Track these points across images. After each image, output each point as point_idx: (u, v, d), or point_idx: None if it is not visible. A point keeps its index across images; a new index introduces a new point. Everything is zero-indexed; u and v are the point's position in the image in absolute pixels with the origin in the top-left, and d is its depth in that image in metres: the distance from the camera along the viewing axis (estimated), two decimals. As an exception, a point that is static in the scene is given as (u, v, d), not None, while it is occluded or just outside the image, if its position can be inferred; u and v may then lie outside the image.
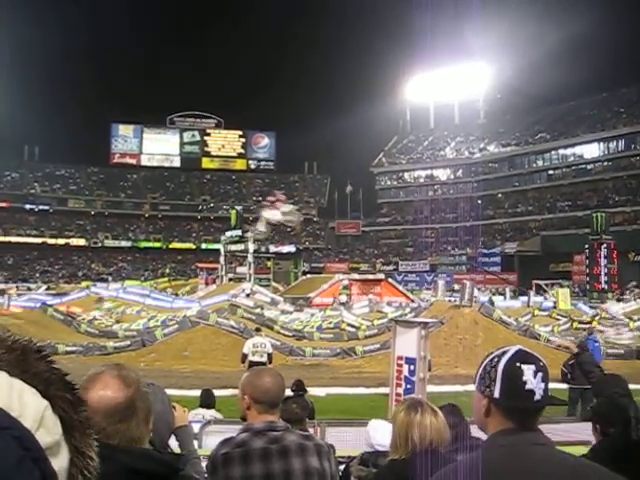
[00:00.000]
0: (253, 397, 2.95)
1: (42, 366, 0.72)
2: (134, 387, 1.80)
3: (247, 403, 2.97)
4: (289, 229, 69.39)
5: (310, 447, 2.88)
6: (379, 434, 4.03)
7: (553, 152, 74.96)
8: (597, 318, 28.82)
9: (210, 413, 8.47)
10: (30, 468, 0.62)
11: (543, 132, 77.40)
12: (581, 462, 1.89)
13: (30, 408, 0.67)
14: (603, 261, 51.38)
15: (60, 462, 0.68)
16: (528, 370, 1.90)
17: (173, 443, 3.08)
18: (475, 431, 2.83)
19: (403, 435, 3.09)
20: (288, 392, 6.48)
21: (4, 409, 0.64)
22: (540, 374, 1.90)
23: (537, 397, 1.88)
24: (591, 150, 71.19)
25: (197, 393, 9.25)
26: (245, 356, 15.70)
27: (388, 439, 3.85)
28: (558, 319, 28.81)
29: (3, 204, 79.00)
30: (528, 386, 1.88)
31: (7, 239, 75.38)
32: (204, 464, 3.13)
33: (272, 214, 37.78)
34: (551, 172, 75.41)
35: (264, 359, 15.54)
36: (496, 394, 1.91)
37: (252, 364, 15.54)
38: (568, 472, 1.78)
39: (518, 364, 1.91)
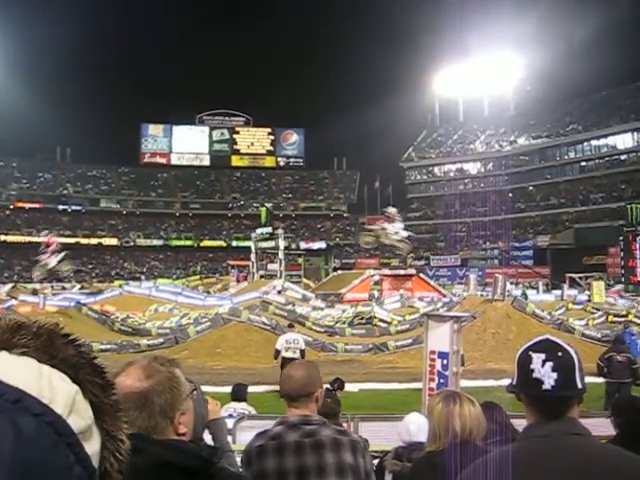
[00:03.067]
0: (280, 388, 2.99)
1: (70, 351, 0.72)
2: (154, 380, 1.82)
3: (279, 394, 3.01)
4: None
5: (345, 442, 2.86)
6: (416, 427, 4.01)
7: (585, 143, 73.91)
8: (633, 311, 28.36)
9: (242, 406, 8.48)
10: (65, 453, 0.63)
11: (575, 123, 76.35)
12: (619, 451, 1.86)
13: (61, 394, 0.67)
14: (639, 253, 50.59)
15: (93, 446, 0.69)
16: (537, 359, 1.89)
17: (207, 437, 3.09)
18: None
19: (443, 426, 3.06)
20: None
21: (35, 396, 0.64)
22: (550, 363, 1.88)
23: (546, 386, 1.86)
24: (624, 140, 70.04)
25: (229, 389, 9.28)
26: (278, 352, 15.78)
27: (424, 432, 3.82)
28: (593, 312, 28.43)
29: (37, 205, 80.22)
30: (535, 374, 1.88)
31: (41, 239, 76.29)
32: (238, 459, 3.14)
33: (385, 235, 35.99)
34: (584, 164, 74.38)
35: (297, 355, 15.62)
36: (514, 382, 1.97)
37: (285, 360, 15.61)
38: (607, 462, 1.75)
39: (530, 352, 1.92)
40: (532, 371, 1.88)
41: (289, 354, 15.64)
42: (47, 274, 37.03)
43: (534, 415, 1.91)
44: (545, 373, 1.87)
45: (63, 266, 36.93)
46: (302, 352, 15.91)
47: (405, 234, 36.87)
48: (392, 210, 36.79)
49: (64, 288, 50.86)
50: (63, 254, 36.64)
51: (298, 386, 2.93)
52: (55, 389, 0.66)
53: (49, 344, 0.71)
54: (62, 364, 0.70)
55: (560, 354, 1.91)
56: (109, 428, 0.72)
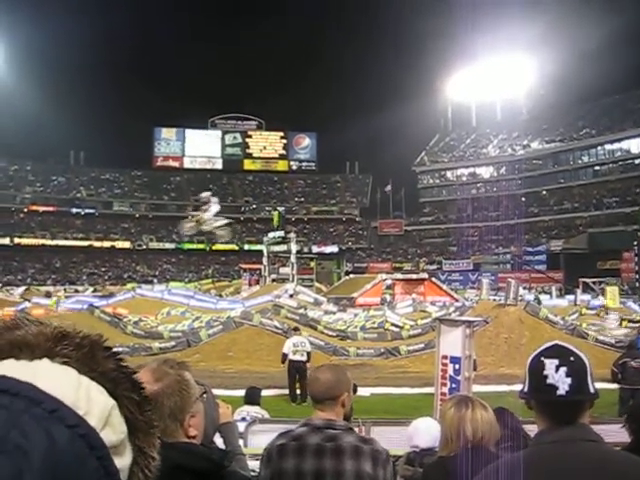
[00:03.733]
0: (308, 390, 3.01)
1: (110, 364, 0.73)
2: (164, 383, 1.82)
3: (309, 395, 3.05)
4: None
5: (366, 451, 2.83)
6: (426, 432, 3.99)
7: (599, 147, 73.62)
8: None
9: (255, 410, 8.48)
10: (95, 466, 0.63)
11: (588, 127, 76.05)
12: (630, 457, 1.85)
13: (97, 406, 0.67)
14: (652, 258, 50.26)
15: (123, 461, 0.69)
16: (550, 364, 1.89)
17: (218, 440, 3.09)
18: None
19: (455, 431, 3.05)
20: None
21: (71, 406, 0.64)
22: (564, 368, 1.87)
23: (560, 392, 1.86)
24: (638, 144, 69.65)
25: (241, 393, 9.28)
26: (285, 356, 15.91)
27: (431, 437, 3.80)
28: (606, 318, 28.25)
29: (50, 208, 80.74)
30: (549, 380, 1.87)
31: (55, 243, 76.96)
32: (250, 462, 3.14)
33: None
34: (597, 168, 74.05)
35: (304, 357, 15.87)
36: (525, 388, 1.97)
37: (293, 363, 15.71)
38: (619, 468, 1.74)
39: (542, 358, 1.92)
40: (546, 377, 1.87)
41: (297, 357, 15.81)
42: (197, 230, 36.16)
43: (546, 421, 1.90)
44: (559, 378, 1.86)
45: (221, 231, 36.16)
46: (308, 354, 16.15)
47: (224, 221, 35.66)
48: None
49: (77, 291, 51.11)
50: (227, 220, 36.01)
51: (323, 389, 2.94)
52: (92, 401, 0.67)
53: (90, 356, 0.72)
54: (101, 377, 0.71)
55: (572, 359, 1.91)
56: (141, 445, 0.72)
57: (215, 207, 34.11)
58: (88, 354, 0.72)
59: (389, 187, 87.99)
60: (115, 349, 0.76)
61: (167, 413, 1.81)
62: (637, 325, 24.61)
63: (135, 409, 0.72)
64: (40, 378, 0.66)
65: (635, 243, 52.20)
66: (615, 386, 12.65)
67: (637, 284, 50.92)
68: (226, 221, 35.78)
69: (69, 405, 0.64)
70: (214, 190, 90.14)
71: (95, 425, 0.65)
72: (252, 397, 8.81)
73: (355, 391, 9.42)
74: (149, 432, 0.74)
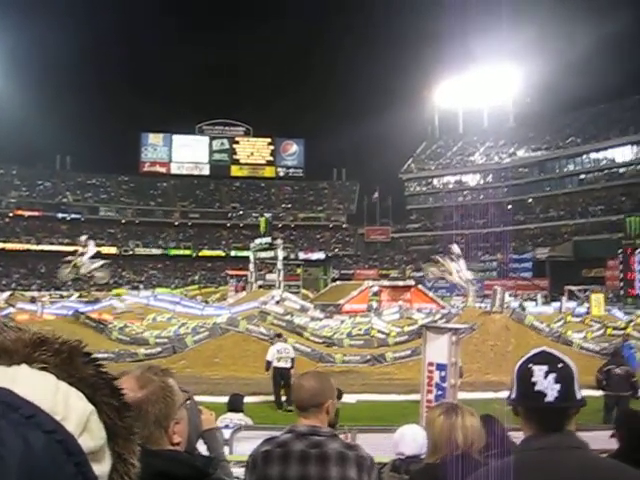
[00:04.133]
0: (292, 397, 2.99)
1: (89, 370, 0.72)
2: (148, 390, 1.81)
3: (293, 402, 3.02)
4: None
5: (351, 458, 2.82)
6: (407, 440, 3.98)
7: (584, 156, 74.12)
8: (632, 324, 28.34)
9: (238, 417, 8.46)
10: (73, 472, 0.62)
11: (574, 136, 76.56)
12: (616, 465, 1.85)
13: (75, 412, 0.67)
14: (637, 266, 50.62)
15: (102, 468, 0.68)
16: (539, 371, 1.88)
17: (201, 447, 3.07)
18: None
19: (445, 438, 3.04)
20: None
21: (49, 412, 0.64)
22: (553, 375, 1.87)
23: (549, 398, 1.85)
24: (623, 153, 70.20)
25: (227, 399, 9.24)
26: (269, 363, 15.88)
27: (417, 444, 3.79)
28: (591, 325, 28.41)
29: (36, 213, 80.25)
30: (537, 387, 1.87)
31: (40, 247, 76.43)
32: (234, 469, 3.12)
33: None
34: (583, 176, 74.52)
35: (289, 364, 15.82)
36: (512, 395, 1.96)
37: (277, 370, 15.69)
38: (602, 475, 1.74)
39: (530, 365, 1.91)
40: (534, 384, 1.87)
41: (281, 364, 15.79)
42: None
43: (533, 428, 1.89)
44: (548, 385, 1.86)
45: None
46: (292, 360, 16.15)
47: (100, 262, 35.51)
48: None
49: (62, 296, 50.84)
50: (103, 262, 35.66)
51: (308, 396, 2.92)
52: (70, 407, 0.66)
53: (69, 362, 0.71)
54: (80, 383, 0.70)
55: (560, 365, 1.91)
56: (121, 451, 0.72)
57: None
58: (67, 360, 0.71)
59: (376, 195, 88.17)
60: (95, 355, 0.76)
61: (152, 420, 1.79)
62: (622, 333, 24.76)
63: (114, 415, 0.71)
64: (18, 384, 0.65)
65: (620, 251, 52.60)
66: (600, 393, 12.70)
67: (622, 292, 51.29)
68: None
69: (47, 411, 0.64)
70: (201, 196, 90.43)
71: (73, 431, 0.65)
72: (235, 404, 8.79)
73: (340, 397, 9.40)
74: (129, 438, 0.73)
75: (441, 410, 3.18)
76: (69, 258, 34.83)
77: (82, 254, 33.48)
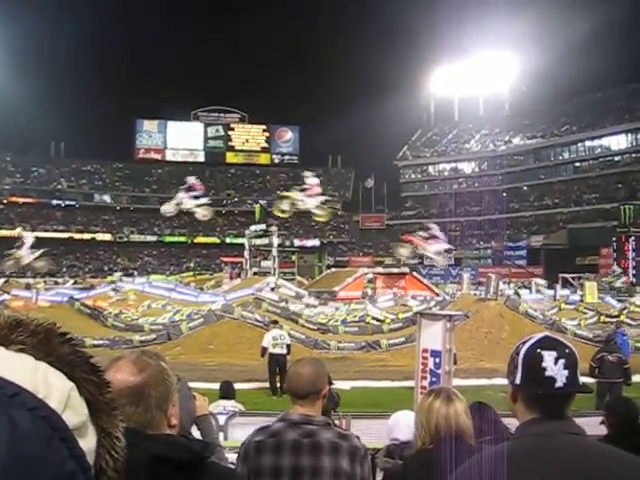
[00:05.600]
0: (285, 384, 2.97)
1: (66, 349, 0.73)
2: (146, 373, 1.82)
3: (287, 390, 3.00)
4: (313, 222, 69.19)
5: (344, 448, 2.82)
6: (401, 425, 4.01)
7: (579, 144, 74.16)
8: (625, 312, 28.46)
9: (231, 404, 8.50)
10: (59, 447, 0.63)
11: (569, 124, 76.56)
12: (612, 450, 1.86)
13: (56, 390, 0.67)
14: (631, 254, 50.78)
15: (88, 443, 0.69)
16: (549, 356, 1.88)
17: (195, 432, 3.08)
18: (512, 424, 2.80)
19: (425, 423, 3.06)
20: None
21: (30, 391, 0.65)
22: (562, 361, 1.87)
23: (559, 384, 1.85)
24: (618, 141, 70.28)
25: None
26: (265, 349, 15.94)
27: (410, 430, 3.82)
28: (585, 313, 28.51)
29: (30, 200, 79.97)
30: (548, 372, 1.86)
31: (34, 234, 76.03)
32: (228, 455, 3.13)
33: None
34: (578, 164, 74.59)
35: (284, 350, 15.91)
36: (517, 381, 1.92)
37: (273, 356, 15.74)
38: (600, 461, 1.75)
39: (539, 350, 1.90)
40: (544, 369, 1.86)
41: (277, 350, 15.86)
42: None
43: (533, 413, 1.89)
44: (558, 371, 1.86)
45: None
46: (288, 347, 16.25)
47: (39, 252, 35.43)
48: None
49: (57, 283, 50.73)
50: (41, 251, 35.92)
51: (307, 382, 2.90)
52: (50, 385, 0.67)
53: (46, 342, 0.72)
54: (58, 362, 0.71)
55: (567, 351, 1.91)
56: (105, 425, 0.73)
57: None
58: (43, 340, 0.72)
59: (371, 182, 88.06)
60: (70, 335, 0.77)
61: (153, 404, 1.80)
62: (615, 320, 24.85)
63: (95, 390, 0.73)
64: None
65: (614, 239, 52.72)
66: (592, 380, 12.77)
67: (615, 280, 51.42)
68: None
69: (29, 389, 0.65)
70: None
71: (56, 407, 0.66)
72: (227, 391, 8.83)
73: (330, 384, 9.47)
74: (111, 413, 0.75)
75: (427, 394, 3.20)
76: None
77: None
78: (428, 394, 3.23)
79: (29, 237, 34.85)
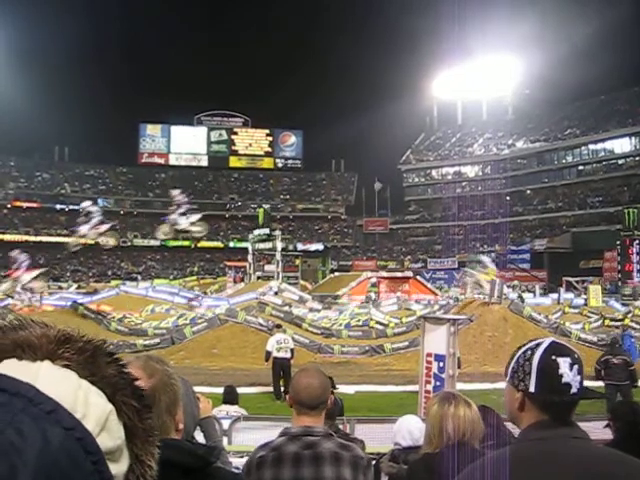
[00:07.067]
0: (292, 396, 2.93)
1: (111, 370, 0.73)
2: (156, 378, 1.82)
3: (290, 401, 2.96)
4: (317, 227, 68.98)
5: (346, 458, 2.79)
6: (410, 429, 4.00)
7: (583, 147, 74.02)
8: (629, 315, 28.40)
9: (234, 409, 8.50)
10: (90, 470, 0.63)
11: (573, 127, 76.47)
12: (618, 455, 1.86)
13: (94, 410, 0.67)
14: (635, 257, 50.63)
15: (119, 468, 0.69)
16: (564, 363, 1.86)
17: (198, 435, 3.08)
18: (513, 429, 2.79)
19: (437, 427, 3.04)
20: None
21: (69, 409, 0.64)
22: (576, 366, 1.87)
23: (574, 390, 1.84)
24: (622, 145, 70.13)
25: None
26: (269, 354, 15.91)
27: (415, 435, 3.82)
28: (589, 316, 28.45)
29: (34, 204, 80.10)
30: (565, 379, 1.84)
31: (38, 239, 76.29)
32: (232, 459, 3.13)
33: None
34: (581, 168, 74.44)
35: (288, 355, 15.88)
36: (532, 388, 1.88)
37: (277, 360, 15.73)
38: (604, 466, 1.75)
39: (554, 357, 1.87)
40: (561, 376, 1.85)
41: (281, 354, 15.84)
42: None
43: (538, 417, 1.88)
44: (573, 377, 1.85)
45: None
46: (292, 351, 16.25)
47: (36, 273, 33.38)
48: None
49: (60, 287, 50.80)
50: (38, 272, 34.27)
51: (318, 394, 2.87)
52: (90, 405, 0.67)
53: (92, 361, 0.72)
54: (101, 382, 0.70)
55: (576, 356, 1.91)
56: (139, 452, 0.72)
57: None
58: (90, 358, 0.72)
59: (379, 184, 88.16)
60: (118, 356, 0.76)
61: (164, 409, 1.80)
62: (619, 324, 24.81)
63: (134, 416, 0.72)
64: (40, 380, 0.66)
65: (618, 243, 52.58)
66: (598, 384, 12.74)
67: (619, 283, 51.32)
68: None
69: (67, 408, 0.64)
70: (199, 187, 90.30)
71: (92, 429, 0.65)
72: (230, 396, 8.84)
73: (334, 389, 9.49)
74: (147, 440, 0.74)
75: (436, 399, 3.19)
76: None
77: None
78: (436, 398, 3.21)
79: (183, 199, 33.35)
